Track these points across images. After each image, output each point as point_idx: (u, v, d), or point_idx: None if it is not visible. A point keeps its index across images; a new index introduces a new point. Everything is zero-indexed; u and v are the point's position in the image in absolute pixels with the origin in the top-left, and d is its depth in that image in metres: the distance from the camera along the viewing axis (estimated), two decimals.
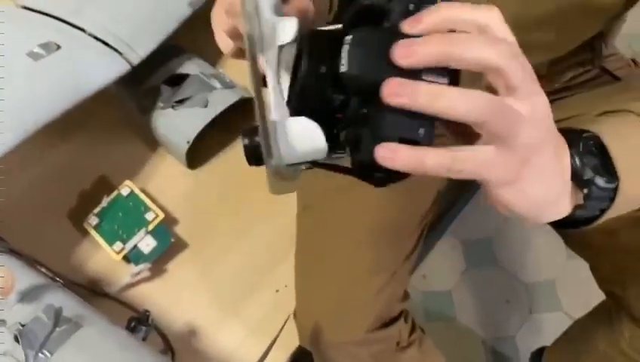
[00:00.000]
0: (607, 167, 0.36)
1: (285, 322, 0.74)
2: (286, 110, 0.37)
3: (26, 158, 0.86)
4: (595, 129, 0.37)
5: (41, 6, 0.85)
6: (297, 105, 0.36)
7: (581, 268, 0.72)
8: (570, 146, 0.36)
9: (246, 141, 0.38)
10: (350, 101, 0.35)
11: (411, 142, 0.31)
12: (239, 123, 0.92)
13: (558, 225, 0.37)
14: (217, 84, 0.88)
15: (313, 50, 0.36)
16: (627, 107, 0.41)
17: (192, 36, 0.91)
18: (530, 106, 0.30)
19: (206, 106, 0.85)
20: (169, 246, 0.80)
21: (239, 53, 0.45)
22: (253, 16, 0.35)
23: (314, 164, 0.38)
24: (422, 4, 0.33)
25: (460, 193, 1.25)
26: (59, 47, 0.78)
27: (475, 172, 0.30)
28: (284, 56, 0.37)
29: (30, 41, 0.78)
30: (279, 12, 0.38)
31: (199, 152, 0.88)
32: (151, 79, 0.89)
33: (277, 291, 0.79)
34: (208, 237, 0.83)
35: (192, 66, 0.90)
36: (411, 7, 0.33)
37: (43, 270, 0.66)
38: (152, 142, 0.90)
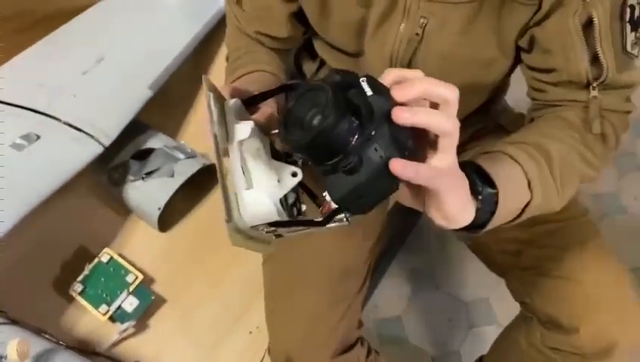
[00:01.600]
0: (488, 181, 0.53)
1: (263, 358, 0.85)
2: (243, 185, 0.49)
3: (8, 236, 0.94)
4: (478, 161, 0.55)
5: (15, 100, 0.95)
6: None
7: None
8: (466, 172, 0.51)
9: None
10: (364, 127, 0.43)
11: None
12: (202, 186, 1.04)
13: (467, 230, 0.53)
14: (180, 155, 1.00)
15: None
16: (501, 149, 0.58)
17: (153, 114, 1.04)
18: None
19: (172, 176, 0.97)
20: (150, 303, 0.90)
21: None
22: (220, 121, 0.48)
23: (277, 225, 0.49)
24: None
25: (400, 231, 1.41)
26: (38, 137, 0.89)
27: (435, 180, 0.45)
28: (246, 146, 0.50)
29: (12, 133, 0.88)
30: (243, 116, 0.51)
31: (168, 216, 0.99)
32: (119, 155, 1.00)
33: (250, 333, 0.90)
34: (184, 291, 0.93)
35: (156, 141, 1.02)
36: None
37: (46, 336, 0.75)
38: (123, 211, 1.01)
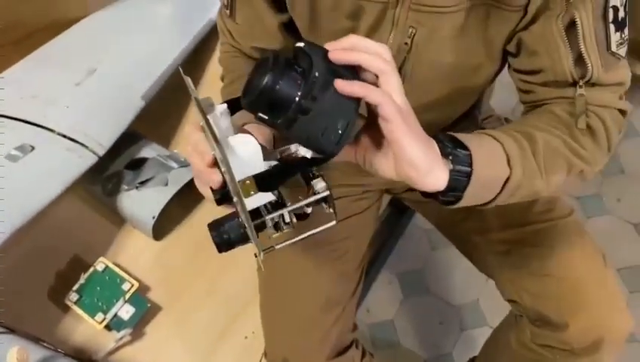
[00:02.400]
0: (461, 145, 0.54)
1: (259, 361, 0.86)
2: (229, 134, 0.51)
3: (3, 249, 0.94)
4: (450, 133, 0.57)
5: (9, 112, 0.95)
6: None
7: None
8: (436, 139, 0.54)
9: (214, 234, 0.52)
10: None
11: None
12: (196, 194, 1.05)
13: (445, 202, 0.55)
14: (174, 164, 1.01)
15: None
16: (483, 131, 0.59)
17: (147, 124, 1.05)
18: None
19: (166, 184, 0.98)
20: (146, 310, 0.90)
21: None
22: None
23: (263, 185, 0.50)
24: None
25: (390, 236, 1.43)
26: (33, 148, 0.90)
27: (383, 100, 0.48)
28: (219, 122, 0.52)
29: (6, 145, 0.89)
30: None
31: (163, 224, 1.00)
32: (113, 165, 1.01)
33: (246, 338, 0.91)
34: (179, 298, 0.94)
35: (149, 150, 1.03)
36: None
37: (45, 344, 0.75)
38: (118, 220, 1.02)
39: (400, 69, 0.70)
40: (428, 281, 1.40)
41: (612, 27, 0.62)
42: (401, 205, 1.35)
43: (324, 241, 0.82)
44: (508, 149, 0.57)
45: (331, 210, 0.53)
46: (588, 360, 0.77)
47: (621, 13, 0.62)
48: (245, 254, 0.95)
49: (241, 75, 0.76)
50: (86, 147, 0.93)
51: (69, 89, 1.01)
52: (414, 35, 0.66)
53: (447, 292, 1.38)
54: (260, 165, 0.51)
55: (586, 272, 0.76)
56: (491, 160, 0.56)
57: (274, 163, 0.52)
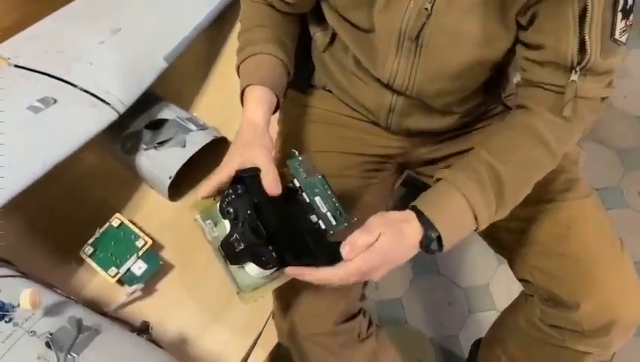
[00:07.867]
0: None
1: (266, 322, 0.87)
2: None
3: (22, 198, 0.96)
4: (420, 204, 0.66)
5: (34, 65, 0.96)
6: None
7: (509, 271, 0.87)
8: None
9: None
10: None
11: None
12: (213, 158, 1.06)
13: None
14: (193, 127, 1.01)
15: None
16: (439, 175, 0.68)
17: (167, 85, 1.05)
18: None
19: (184, 146, 0.99)
20: (158, 268, 0.91)
21: None
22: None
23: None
24: None
25: None
26: (55, 100, 0.90)
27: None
28: None
29: (29, 96, 0.90)
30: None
31: (178, 186, 1.00)
32: (133, 124, 1.01)
33: (255, 300, 0.92)
34: (191, 258, 0.95)
35: (169, 112, 1.04)
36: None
37: (58, 291, 0.77)
38: (135, 179, 1.02)
39: (418, 35, 0.70)
40: (438, 262, 1.40)
41: (619, 15, 0.62)
42: (416, 183, 1.34)
43: None
44: (474, 207, 0.65)
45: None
46: (597, 343, 0.76)
47: (630, 1, 0.63)
48: None
49: (256, 26, 0.77)
50: (107, 103, 0.93)
51: (93, 47, 1.01)
52: (435, 0, 0.66)
53: (458, 275, 1.38)
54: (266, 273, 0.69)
55: (602, 254, 0.75)
56: (459, 230, 0.66)
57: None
